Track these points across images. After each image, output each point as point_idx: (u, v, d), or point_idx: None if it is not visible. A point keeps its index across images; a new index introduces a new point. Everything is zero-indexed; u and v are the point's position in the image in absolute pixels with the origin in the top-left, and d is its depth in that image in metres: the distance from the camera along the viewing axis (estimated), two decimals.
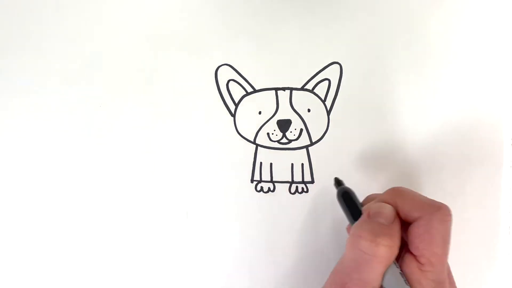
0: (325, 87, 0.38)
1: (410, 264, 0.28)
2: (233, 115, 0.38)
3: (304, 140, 0.38)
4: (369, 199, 0.33)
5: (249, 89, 0.38)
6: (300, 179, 0.38)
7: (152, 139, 0.38)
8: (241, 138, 0.38)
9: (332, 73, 0.38)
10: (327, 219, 0.38)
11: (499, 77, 0.38)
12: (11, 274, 0.38)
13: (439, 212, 0.28)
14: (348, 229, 0.34)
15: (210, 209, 0.38)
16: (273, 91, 0.38)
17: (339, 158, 0.38)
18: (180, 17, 0.39)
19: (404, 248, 0.29)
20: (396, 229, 0.28)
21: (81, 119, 0.39)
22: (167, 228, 0.38)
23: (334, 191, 0.37)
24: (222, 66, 0.38)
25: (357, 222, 0.30)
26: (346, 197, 0.32)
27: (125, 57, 0.39)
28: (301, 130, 0.38)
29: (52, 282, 0.38)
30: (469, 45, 0.38)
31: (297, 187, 0.38)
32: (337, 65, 0.38)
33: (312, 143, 0.38)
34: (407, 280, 0.28)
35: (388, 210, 0.29)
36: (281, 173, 0.38)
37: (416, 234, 0.28)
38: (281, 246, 0.38)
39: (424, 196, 0.30)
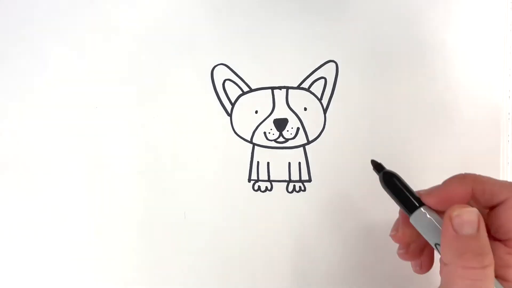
0: (321, 85, 0.38)
1: (495, 251, 0.26)
2: (230, 115, 0.38)
3: (301, 139, 0.38)
4: (423, 194, 0.29)
5: (245, 89, 0.38)
6: (298, 178, 0.38)
7: (148, 139, 0.38)
8: (238, 137, 0.38)
9: (328, 72, 0.38)
10: (325, 217, 0.38)
11: (495, 75, 0.38)
12: (11, 274, 0.39)
13: None
14: (396, 237, 0.30)
15: (208, 210, 0.38)
16: (269, 90, 0.38)
17: (336, 156, 0.38)
18: (176, 17, 0.39)
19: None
20: (486, 236, 0.26)
21: (77, 120, 0.39)
22: (165, 229, 0.38)
23: (331, 189, 0.37)
24: (218, 66, 0.38)
25: (445, 242, 0.26)
26: (393, 183, 0.28)
27: (121, 57, 0.39)
28: (298, 128, 0.38)
29: (50, 282, 0.38)
30: (465, 43, 0.38)
31: (294, 186, 0.38)
32: (333, 64, 0.38)
33: (309, 142, 0.38)
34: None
35: (474, 215, 0.26)
36: (279, 172, 0.38)
37: (506, 217, 0.26)
38: (278, 245, 0.38)
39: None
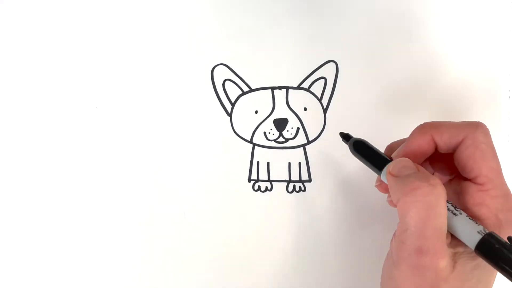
0: (321, 85, 0.38)
1: (468, 190, 0.27)
2: (230, 115, 0.38)
3: (301, 139, 0.38)
4: (392, 147, 0.32)
5: (245, 89, 0.38)
6: (298, 178, 0.38)
7: (148, 140, 0.38)
8: (238, 137, 0.38)
9: (328, 72, 0.38)
10: (325, 217, 0.38)
11: (495, 74, 0.38)
12: (11, 274, 0.38)
13: (480, 127, 0.28)
14: (381, 186, 0.32)
15: (208, 210, 0.38)
16: (269, 90, 0.38)
17: (336, 156, 0.38)
18: (176, 17, 0.39)
19: (452, 182, 0.29)
20: (426, 171, 0.27)
21: (77, 120, 0.39)
22: (165, 229, 0.38)
23: (331, 189, 0.37)
24: (218, 66, 0.38)
25: (391, 188, 0.28)
26: (359, 148, 0.31)
27: (121, 57, 0.39)
28: (298, 129, 0.38)
29: (48, 282, 0.38)
30: (466, 43, 0.38)
31: (294, 186, 0.38)
32: (333, 64, 0.38)
33: (309, 142, 0.38)
34: (468, 210, 0.27)
35: (408, 161, 0.28)
36: (279, 172, 0.38)
37: (467, 156, 0.27)
38: (279, 245, 0.38)
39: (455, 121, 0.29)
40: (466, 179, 0.28)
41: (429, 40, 0.38)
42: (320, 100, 0.38)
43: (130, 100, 0.38)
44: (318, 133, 0.38)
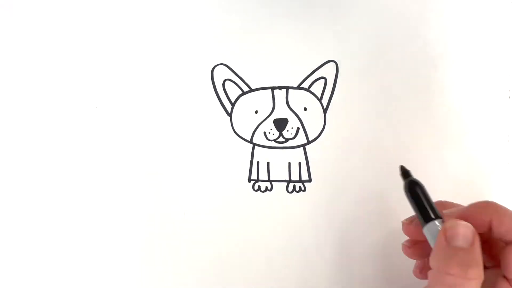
0: (321, 85, 0.38)
1: (501, 286, 0.26)
2: (230, 115, 0.38)
3: (301, 139, 0.38)
4: (444, 204, 0.30)
5: (245, 89, 0.38)
6: (298, 178, 0.38)
7: (148, 140, 0.38)
8: (238, 137, 0.38)
9: (328, 72, 0.38)
10: (325, 217, 0.38)
11: (495, 75, 0.38)
12: (11, 274, 0.38)
13: None
14: (408, 227, 0.32)
15: (208, 210, 0.38)
16: (269, 90, 0.38)
17: (336, 156, 0.38)
18: (176, 17, 0.39)
19: (487, 269, 0.27)
20: (479, 252, 0.26)
21: (77, 120, 0.39)
22: (165, 229, 0.38)
23: (331, 189, 0.37)
24: (218, 66, 0.38)
25: (435, 249, 0.26)
26: (415, 191, 0.29)
27: (121, 57, 0.39)
28: (298, 128, 0.38)
29: (48, 282, 0.38)
30: (466, 43, 0.38)
31: (294, 186, 0.38)
32: (333, 64, 0.38)
33: (309, 142, 0.38)
34: None
35: (468, 229, 0.26)
36: (279, 172, 0.38)
37: None
38: (279, 245, 0.38)
39: None
40: (502, 273, 0.27)
41: (429, 39, 0.38)
42: (320, 100, 0.38)
43: (130, 100, 0.38)
44: (318, 133, 0.38)
